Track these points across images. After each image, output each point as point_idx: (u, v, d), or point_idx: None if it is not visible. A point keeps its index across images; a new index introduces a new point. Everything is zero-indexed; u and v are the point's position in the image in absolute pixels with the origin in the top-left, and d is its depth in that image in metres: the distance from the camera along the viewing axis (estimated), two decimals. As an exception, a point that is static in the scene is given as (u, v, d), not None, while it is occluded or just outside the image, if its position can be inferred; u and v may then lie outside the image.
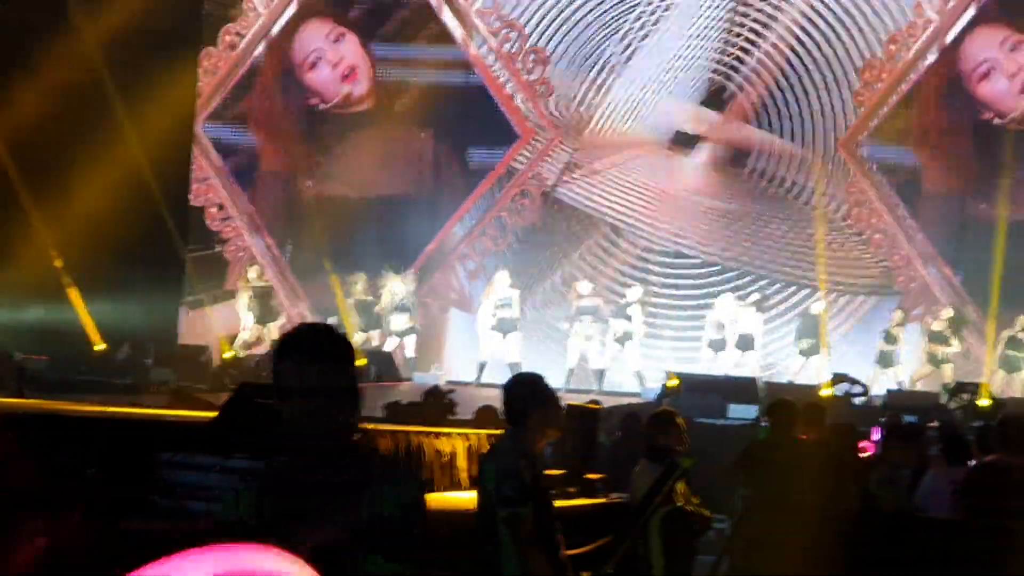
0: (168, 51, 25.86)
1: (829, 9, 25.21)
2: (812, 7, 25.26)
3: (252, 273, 25.59)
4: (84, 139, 24.82)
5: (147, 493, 9.01)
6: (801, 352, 23.79)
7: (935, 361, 23.35)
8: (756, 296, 24.26)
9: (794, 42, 25.36)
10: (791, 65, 25.36)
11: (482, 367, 23.95)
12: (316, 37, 27.04)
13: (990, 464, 9.93)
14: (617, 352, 24.04)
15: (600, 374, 23.95)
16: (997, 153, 24.61)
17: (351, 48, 26.95)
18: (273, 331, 25.06)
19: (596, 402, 16.51)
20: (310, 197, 26.70)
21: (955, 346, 23.39)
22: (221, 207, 27.17)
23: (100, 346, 23.64)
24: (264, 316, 25.18)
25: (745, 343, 23.73)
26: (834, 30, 25.24)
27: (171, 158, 26.26)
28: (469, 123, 26.49)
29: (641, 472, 9.26)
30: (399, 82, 26.76)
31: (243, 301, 25.16)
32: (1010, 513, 9.46)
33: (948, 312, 23.64)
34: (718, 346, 23.83)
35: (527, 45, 26.20)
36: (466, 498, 8.69)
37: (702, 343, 24.14)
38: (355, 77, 26.92)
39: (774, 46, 25.41)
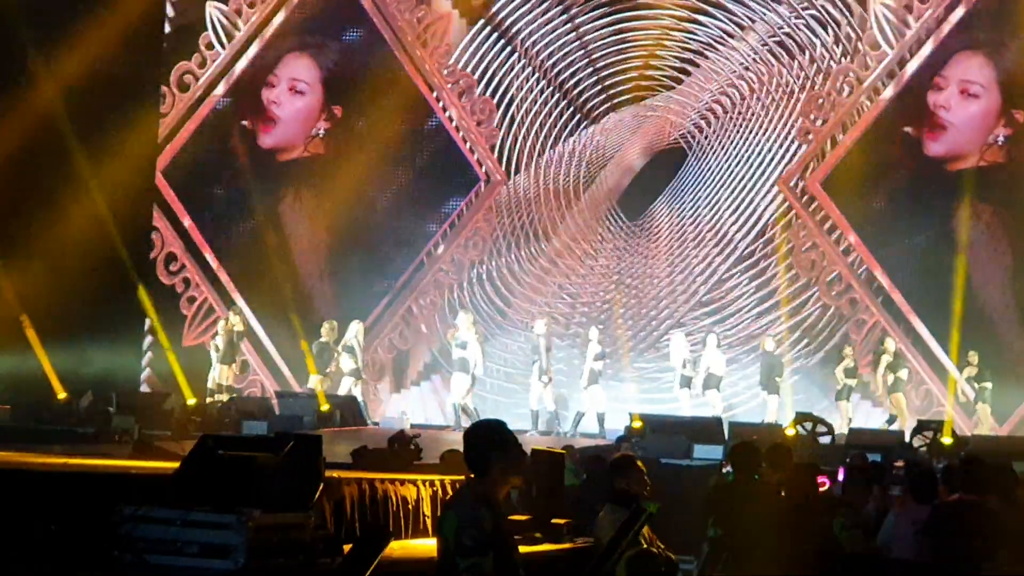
0: (129, 97, 25.91)
1: (774, 42, 25.33)
2: (757, 39, 25.38)
3: (234, 317, 25.51)
4: (46, 189, 24.79)
5: (109, 547, 8.96)
6: (765, 390, 23.76)
7: (899, 389, 23.43)
8: (716, 336, 24.24)
9: (737, 75, 25.50)
10: (738, 104, 25.47)
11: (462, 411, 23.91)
12: (288, 72, 27.23)
13: (952, 504, 9.95)
14: (583, 392, 23.99)
15: (537, 414, 23.87)
16: (949, 191, 24.70)
17: (296, 106, 27.10)
18: (230, 377, 25.04)
19: (568, 446, 16.50)
20: (273, 243, 26.82)
21: (902, 373, 23.55)
22: (176, 258, 27.11)
23: (62, 395, 23.55)
24: (231, 359, 25.17)
25: (711, 383, 23.70)
26: (780, 63, 25.34)
27: (133, 204, 26.25)
28: (429, 169, 26.70)
29: (605, 517, 9.24)
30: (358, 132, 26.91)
31: (223, 344, 25.07)
32: (972, 553, 9.47)
33: (891, 343, 23.73)
34: (684, 383, 23.79)
35: (479, 95, 26.38)
36: (431, 546, 8.66)
37: (671, 383, 24.07)
38: (268, 130, 27.12)
39: (722, 85, 25.56)
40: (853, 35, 25.07)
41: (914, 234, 24.97)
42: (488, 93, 26.46)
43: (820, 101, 25.14)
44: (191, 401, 23.80)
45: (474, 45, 26.56)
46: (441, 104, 26.53)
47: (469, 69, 26.55)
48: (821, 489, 12.59)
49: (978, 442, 20.54)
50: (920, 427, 21.23)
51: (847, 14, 25.06)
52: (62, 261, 24.41)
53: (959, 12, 24.73)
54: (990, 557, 9.45)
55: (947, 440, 20.34)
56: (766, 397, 23.70)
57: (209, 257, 27.16)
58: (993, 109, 24.57)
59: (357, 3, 26.86)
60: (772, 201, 25.30)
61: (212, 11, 27.25)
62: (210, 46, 27.25)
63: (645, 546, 8.96)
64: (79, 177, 24.71)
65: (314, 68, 27.22)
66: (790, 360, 24.61)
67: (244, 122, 27.21)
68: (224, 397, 24.31)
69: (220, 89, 27.28)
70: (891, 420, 23.26)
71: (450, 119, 26.50)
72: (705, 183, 25.59)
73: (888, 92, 24.99)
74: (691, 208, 25.69)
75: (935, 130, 24.65)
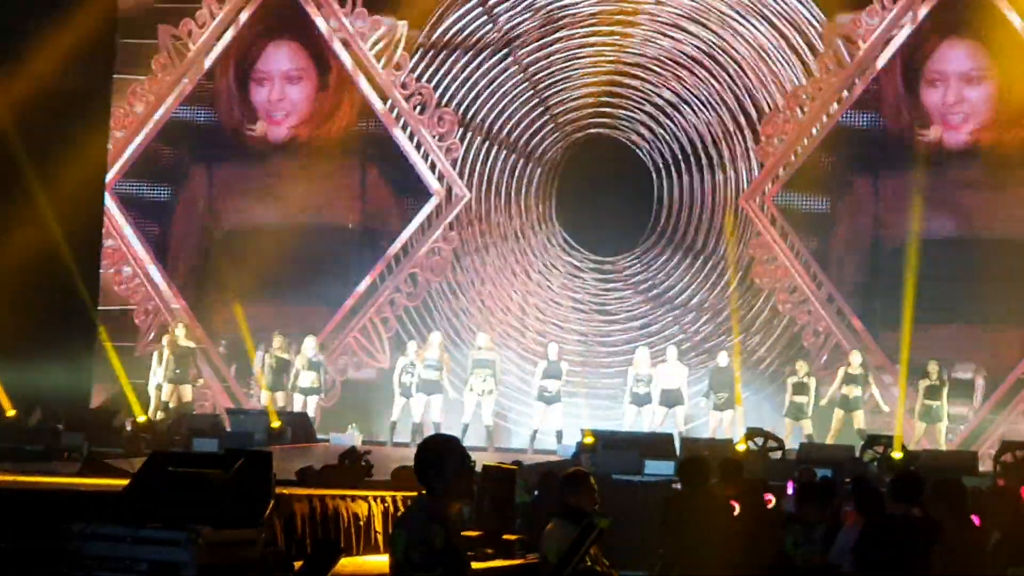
0: (80, 113, 25.84)
1: (730, 60, 25.48)
2: (712, 59, 25.53)
3: (179, 331, 25.39)
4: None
5: (59, 565, 8.91)
6: (715, 407, 23.77)
7: (848, 406, 23.41)
8: (674, 352, 24.21)
9: (695, 94, 25.62)
10: (694, 119, 25.58)
11: (395, 427, 23.90)
12: (276, 62, 27.12)
13: (884, 517, 10.03)
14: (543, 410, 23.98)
15: (489, 430, 23.89)
16: (906, 204, 24.88)
17: (296, 94, 27.02)
18: (187, 393, 24.90)
19: (517, 462, 16.50)
20: (224, 256, 26.77)
21: (870, 389, 23.57)
22: (129, 271, 27.04)
23: (11, 412, 23.41)
24: (182, 377, 25.00)
25: (671, 399, 23.66)
26: (735, 82, 25.49)
27: (83, 220, 26.17)
28: (387, 183, 26.65)
29: (553, 532, 9.18)
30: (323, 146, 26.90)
31: (164, 359, 24.93)
32: (903, 564, 9.53)
33: (857, 356, 23.76)
34: (641, 401, 23.73)
35: (436, 106, 26.38)
36: (382, 562, 8.65)
37: (624, 399, 24.06)
38: (280, 123, 27.00)
39: (677, 101, 25.68)
40: (808, 55, 25.24)
41: (868, 247, 25.14)
42: (445, 104, 26.44)
43: (778, 120, 25.28)
44: (141, 418, 23.66)
45: (429, 56, 26.55)
46: (396, 115, 26.48)
47: (425, 80, 26.52)
48: (768, 506, 12.63)
49: (928, 457, 20.61)
50: (871, 441, 21.28)
51: (803, 33, 25.26)
52: (10, 276, 24.28)
53: (907, 29, 24.96)
54: (921, 569, 9.51)
55: (897, 455, 20.40)
56: (720, 413, 23.69)
57: (159, 272, 27.06)
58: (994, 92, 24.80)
59: (308, 20, 26.84)
60: (734, 219, 25.40)
61: (163, 31, 27.21)
62: (162, 65, 27.20)
63: (589, 563, 8.93)
64: (27, 192, 24.61)
65: (300, 54, 27.15)
66: (747, 379, 24.67)
67: (253, 131, 27.10)
68: (164, 415, 24.14)
69: (172, 104, 27.22)
70: (867, 444, 22.72)
71: (408, 133, 26.45)
72: (667, 201, 25.68)
73: (841, 110, 25.17)
74: (651, 225, 25.77)
75: (953, 125, 24.77)
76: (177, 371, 24.85)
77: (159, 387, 24.85)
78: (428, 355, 24.21)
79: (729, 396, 23.70)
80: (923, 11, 24.93)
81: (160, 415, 24.25)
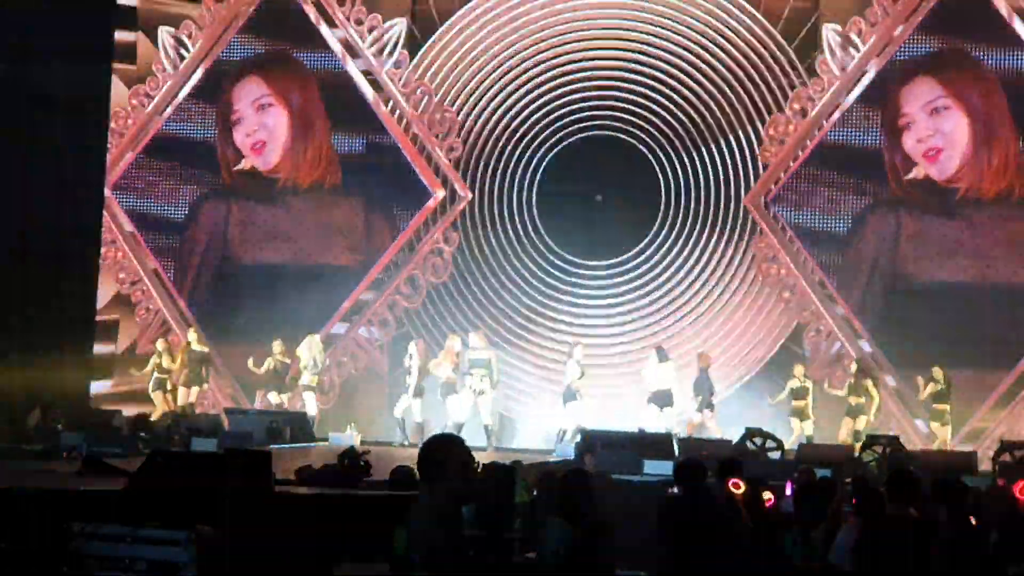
0: (80, 114, 25.85)
1: (734, 63, 25.53)
2: (717, 59, 25.57)
3: (192, 335, 25.50)
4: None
5: (59, 565, 8.92)
6: (696, 408, 23.73)
7: (852, 412, 23.43)
8: (664, 353, 24.14)
9: (698, 97, 25.65)
10: (697, 120, 25.61)
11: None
12: (245, 97, 27.15)
13: (884, 518, 10.04)
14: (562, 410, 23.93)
15: (488, 430, 23.85)
16: (902, 209, 24.94)
17: (271, 119, 27.04)
18: (193, 395, 25.02)
19: (517, 462, 16.50)
20: (232, 261, 26.79)
21: (874, 395, 23.57)
22: (130, 271, 27.07)
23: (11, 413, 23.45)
24: (195, 380, 25.14)
25: (662, 400, 23.62)
26: (741, 85, 25.53)
27: (83, 220, 26.18)
28: (387, 185, 26.62)
29: (551, 531, 9.21)
30: (316, 152, 26.84)
31: (177, 362, 25.16)
32: (903, 564, 9.55)
33: (855, 366, 23.80)
34: (652, 399, 23.68)
35: (437, 105, 26.36)
36: (381, 563, 8.66)
37: (644, 401, 24.00)
38: (261, 152, 27.01)
39: (680, 100, 25.70)
40: (808, 58, 25.31)
41: (868, 247, 25.19)
42: (447, 102, 26.41)
43: (779, 124, 25.32)
44: (153, 414, 23.77)
45: (432, 53, 26.52)
46: (395, 114, 26.48)
47: (426, 79, 26.50)
48: (767, 504, 12.62)
49: (928, 457, 20.62)
50: (870, 442, 21.29)
51: (806, 35, 25.34)
52: (10, 276, 24.30)
53: (902, 30, 25.04)
54: (920, 569, 9.53)
55: (897, 455, 20.39)
56: (702, 414, 23.65)
57: (160, 272, 27.08)
58: (965, 120, 24.85)
59: (305, 17, 26.83)
60: (737, 219, 25.43)
61: (163, 34, 27.24)
62: (162, 67, 27.22)
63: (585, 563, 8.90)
64: (27, 192, 24.64)
65: (263, 84, 27.19)
66: (745, 379, 24.70)
67: (239, 166, 27.09)
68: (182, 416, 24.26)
69: (170, 109, 27.25)
70: (867, 444, 22.65)
71: (406, 132, 26.42)
72: (669, 201, 25.71)
73: (836, 114, 25.22)
74: (653, 225, 25.77)
75: (931, 157, 24.85)
76: (192, 375, 25.06)
77: (169, 389, 25.03)
78: (439, 360, 24.17)
79: (705, 397, 23.64)
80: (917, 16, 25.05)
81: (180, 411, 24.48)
